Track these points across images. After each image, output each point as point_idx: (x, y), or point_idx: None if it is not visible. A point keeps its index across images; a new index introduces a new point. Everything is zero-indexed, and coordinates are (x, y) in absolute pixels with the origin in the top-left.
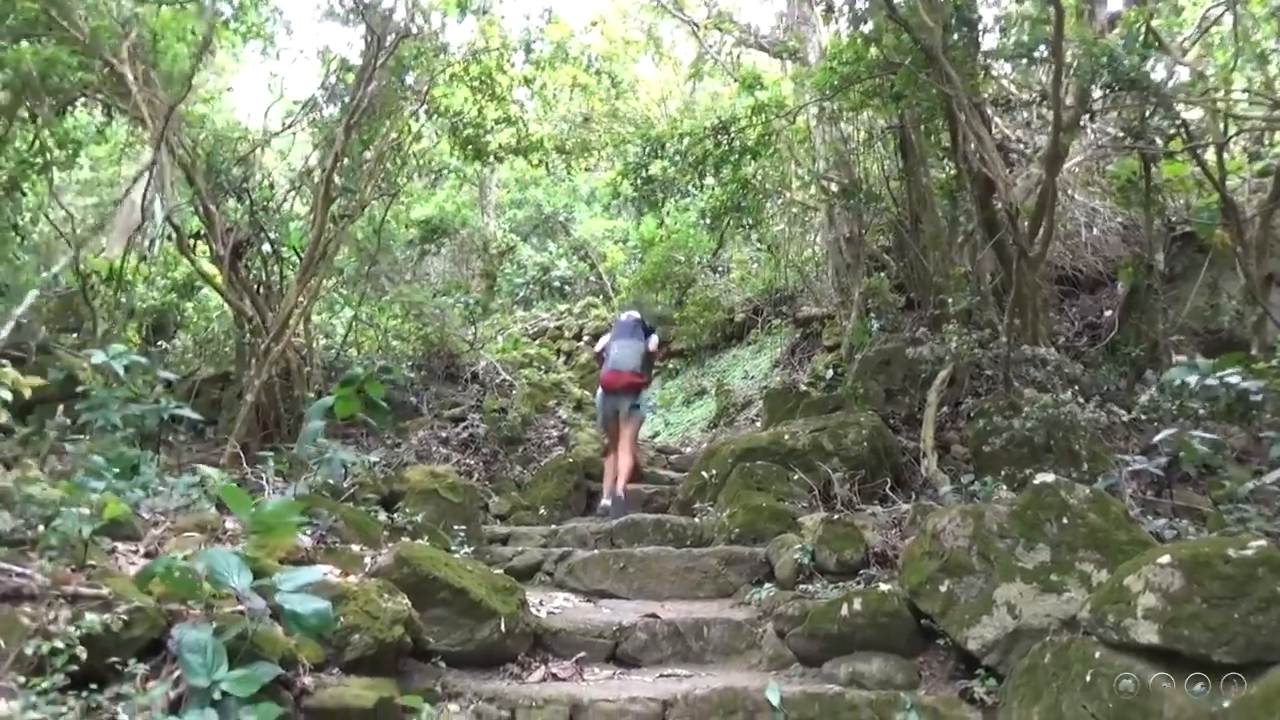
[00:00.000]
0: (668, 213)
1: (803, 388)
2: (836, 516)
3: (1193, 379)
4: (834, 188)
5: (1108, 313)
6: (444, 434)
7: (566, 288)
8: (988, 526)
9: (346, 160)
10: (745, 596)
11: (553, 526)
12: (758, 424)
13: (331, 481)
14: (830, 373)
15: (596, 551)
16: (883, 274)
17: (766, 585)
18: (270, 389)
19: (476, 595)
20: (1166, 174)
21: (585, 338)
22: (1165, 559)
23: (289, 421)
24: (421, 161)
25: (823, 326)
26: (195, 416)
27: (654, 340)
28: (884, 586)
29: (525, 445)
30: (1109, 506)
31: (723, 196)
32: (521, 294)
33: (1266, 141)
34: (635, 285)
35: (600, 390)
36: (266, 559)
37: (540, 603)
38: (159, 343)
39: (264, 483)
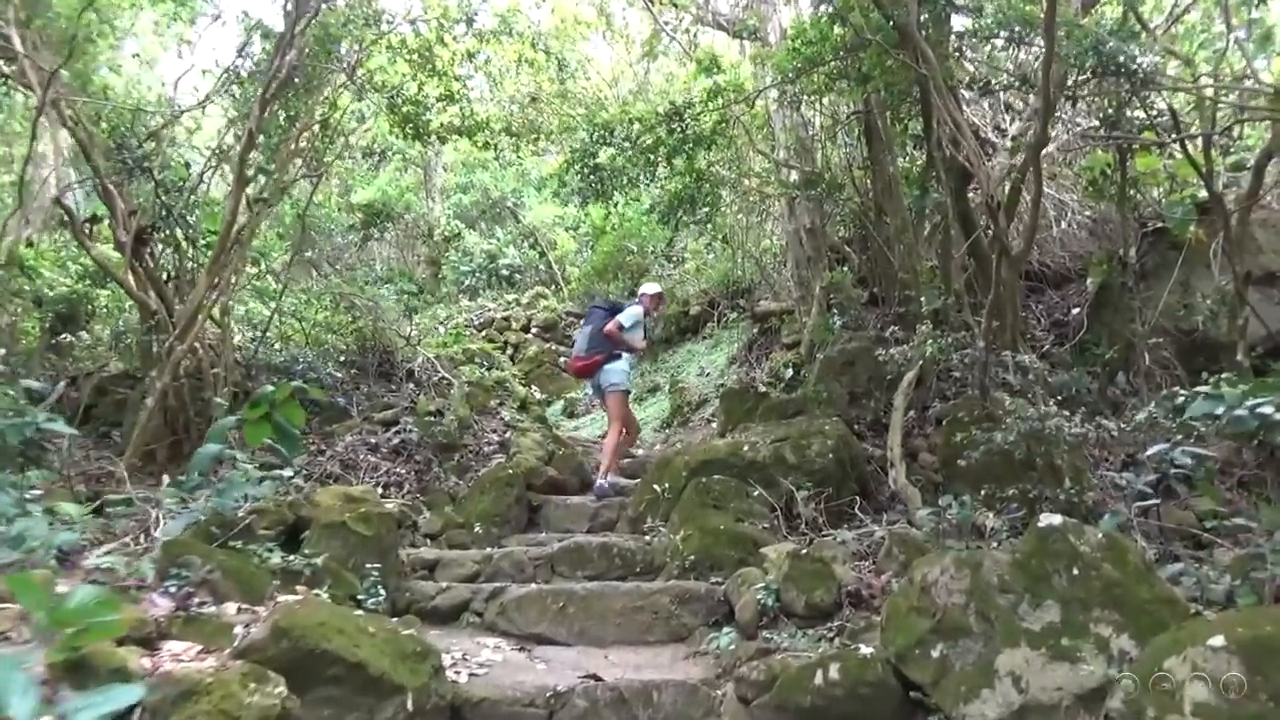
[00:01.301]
0: (616, 204)
1: (761, 388)
2: (805, 551)
3: (1219, 409)
4: (794, 177)
5: (1075, 310)
6: (374, 439)
7: (515, 276)
8: (986, 579)
9: (264, 138)
10: (702, 643)
11: (488, 550)
12: (713, 424)
13: (224, 512)
14: (790, 372)
15: (533, 587)
16: (845, 268)
17: (726, 630)
18: (179, 390)
19: (377, 668)
20: (1140, 167)
21: (534, 329)
22: (1218, 640)
23: (200, 426)
24: (354, 140)
25: (781, 322)
26: (67, 430)
27: (617, 319)
28: (865, 650)
29: (462, 452)
30: (1126, 554)
31: (676, 188)
32: (467, 283)
33: (1237, 135)
34: (586, 275)
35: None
36: (95, 645)
37: (464, 656)
38: (64, 335)
39: (152, 509)
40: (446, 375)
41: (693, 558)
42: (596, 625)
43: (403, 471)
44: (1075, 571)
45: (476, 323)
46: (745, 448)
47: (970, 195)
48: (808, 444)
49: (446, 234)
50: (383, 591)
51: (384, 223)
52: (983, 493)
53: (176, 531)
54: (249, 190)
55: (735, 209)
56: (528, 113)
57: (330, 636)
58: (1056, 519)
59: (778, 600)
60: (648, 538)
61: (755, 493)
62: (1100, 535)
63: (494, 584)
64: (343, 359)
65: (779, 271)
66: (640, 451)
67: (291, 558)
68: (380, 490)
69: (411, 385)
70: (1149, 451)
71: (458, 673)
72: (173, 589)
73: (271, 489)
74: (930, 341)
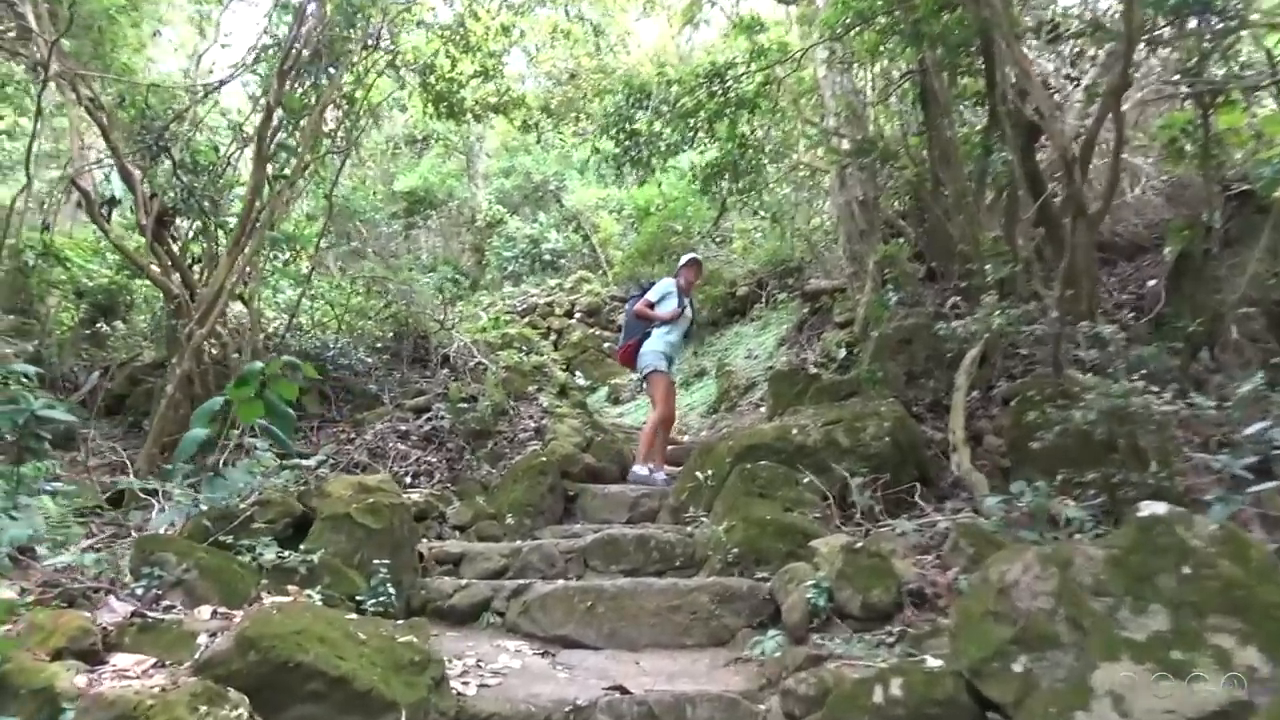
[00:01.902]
0: (654, 172)
1: (812, 369)
2: (860, 544)
3: None
4: (845, 146)
5: (1152, 282)
6: (405, 427)
7: (559, 261)
8: (1077, 578)
9: (285, 113)
10: (745, 648)
11: (517, 542)
12: (762, 409)
13: (226, 503)
14: (843, 352)
15: (560, 584)
16: (901, 240)
17: (771, 633)
18: (204, 377)
19: (364, 682)
20: (1222, 124)
21: (577, 314)
22: None
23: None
24: (386, 119)
25: (833, 301)
26: (64, 418)
27: (643, 299)
28: (932, 662)
29: (496, 439)
30: (1247, 549)
31: (718, 155)
32: (510, 268)
33: None
34: (630, 257)
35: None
36: (18, 661)
37: (479, 662)
38: (100, 325)
39: (157, 499)
40: (483, 360)
41: (736, 551)
42: (629, 626)
43: (433, 460)
44: (1186, 570)
45: (519, 309)
46: (794, 431)
47: (1039, 156)
48: (862, 427)
49: (489, 219)
50: (392, 590)
51: (427, 210)
52: (1059, 478)
53: (161, 526)
54: (271, 168)
55: (783, 185)
56: (566, 90)
57: (308, 646)
58: (1160, 507)
59: (830, 600)
60: (689, 529)
61: (805, 480)
62: (1214, 527)
63: (518, 581)
64: (377, 345)
65: (830, 249)
66: (686, 438)
67: (287, 554)
68: (409, 479)
69: (446, 371)
70: (1247, 430)
71: (466, 683)
72: (140, 591)
73: (291, 479)
74: (998, 313)
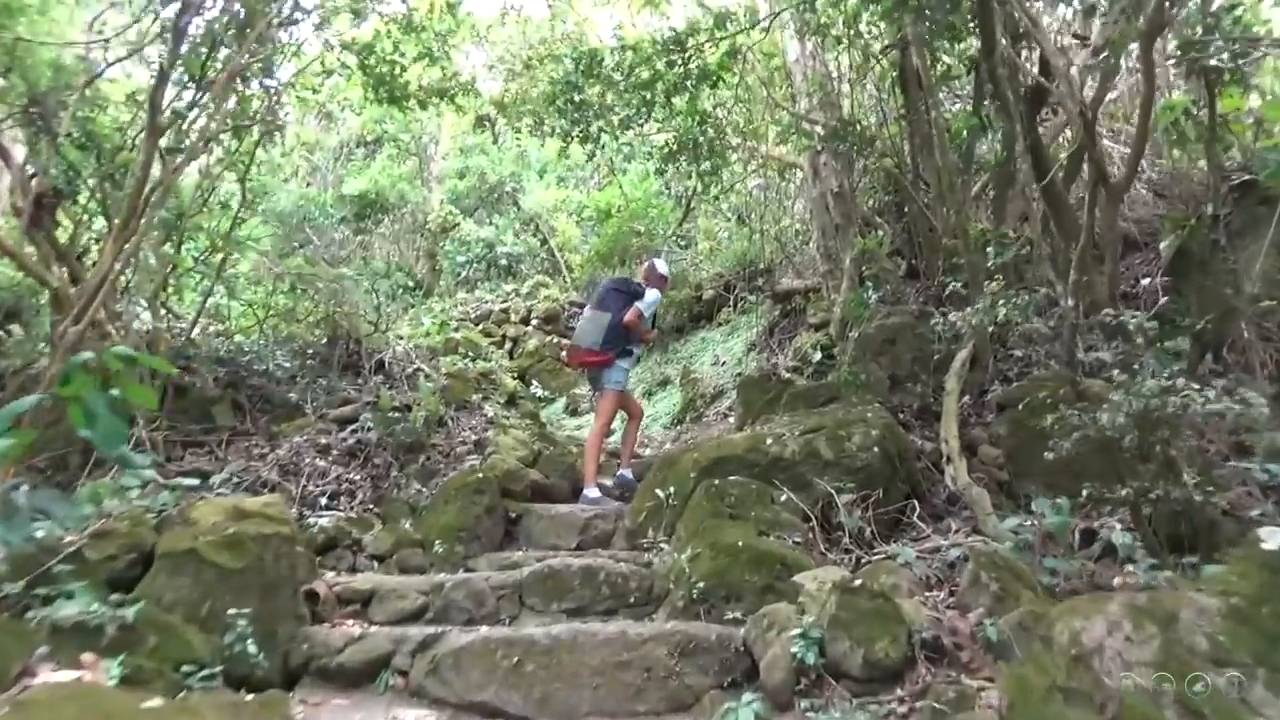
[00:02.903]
0: (602, 147)
1: (785, 374)
2: (858, 581)
3: None
4: (819, 131)
5: (1146, 281)
6: (326, 440)
7: (515, 266)
8: (1186, 641)
9: (185, 77)
10: (713, 717)
11: (442, 576)
12: (731, 419)
13: (30, 538)
14: (818, 356)
15: (480, 634)
16: (881, 234)
17: (747, 697)
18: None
19: None
20: (1224, 108)
21: (534, 321)
22: None
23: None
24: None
25: (806, 301)
26: None
27: (639, 304)
28: None
29: (430, 453)
30: None
31: (678, 132)
32: (464, 274)
33: None
34: (590, 261)
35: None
36: None
37: None
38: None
39: None
40: (422, 367)
41: (702, 585)
42: (565, 689)
43: (356, 478)
44: None
45: (473, 316)
46: (769, 441)
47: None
48: (847, 435)
49: (442, 222)
50: (254, 649)
51: (379, 214)
52: (1084, 493)
53: None
54: (165, 141)
55: (751, 179)
56: (521, 83)
57: None
58: None
59: (821, 653)
60: (647, 556)
61: (783, 497)
62: None
63: (428, 629)
64: (306, 350)
65: (801, 249)
66: (647, 451)
67: (96, 609)
68: (325, 500)
69: (380, 379)
70: None
71: None
72: None
73: (169, 500)
74: (1002, 304)
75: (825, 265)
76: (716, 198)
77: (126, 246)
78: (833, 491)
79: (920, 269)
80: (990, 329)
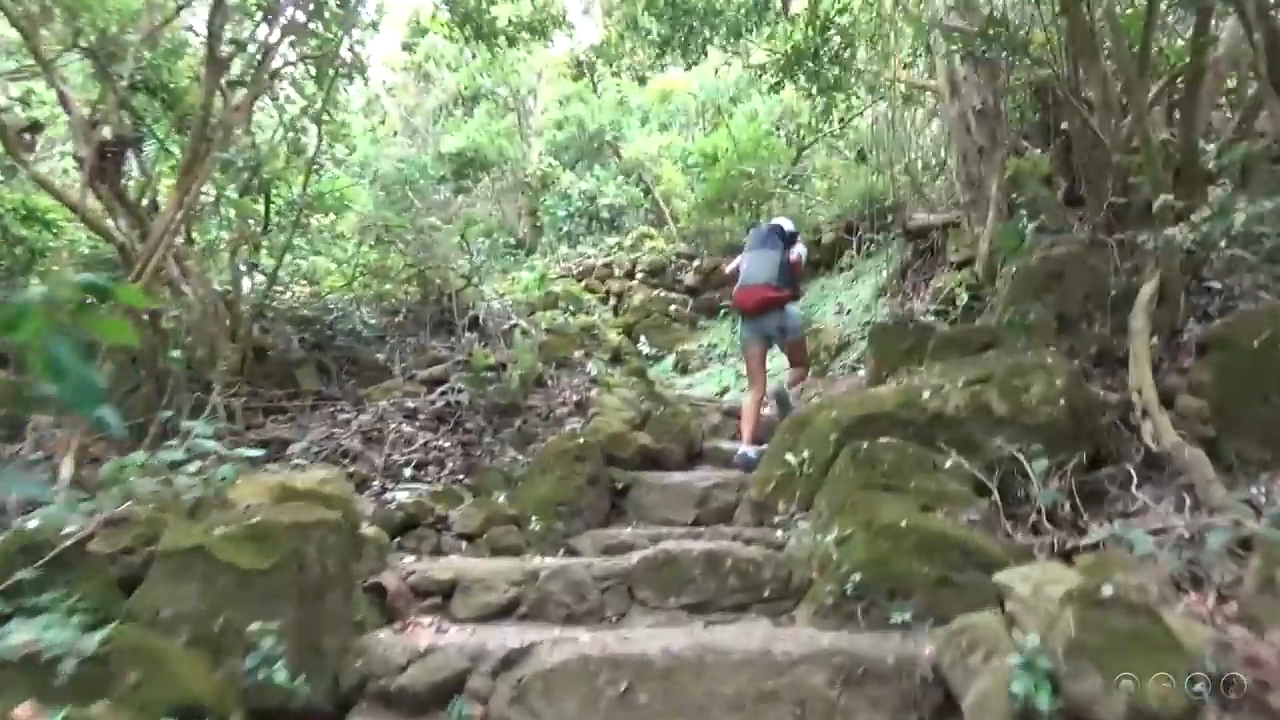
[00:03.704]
0: (705, 56)
1: (924, 320)
2: (1108, 588)
3: None
4: (953, 43)
5: None
6: (413, 403)
7: (618, 219)
8: None
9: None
10: None
11: (538, 560)
12: (860, 372)
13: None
14: (965, 297)
15: (576, 650)
16: (1039, 153)
17: None
18: (155, 350)
19: None
20: None
21: (639, 274)
22: None
23: (196, 391)
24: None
25: (945, 237)
26: None
27: (798, 249)
28: None
29: (527, 416)
30: None
31: (794, 39)
32: (566, 229)
33: None
34: (697, 208)
35: (743, 321)
36: None
37: None
38: None
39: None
40: (519, 322)
41: (858, 577)
42: None
43: (445, 445)
44: None
45: (576, 272)
46: (925, 395)
47: None
48: (1023, 386)
49: (540, 176)
50: (284, 674)
51: (478, 172)
52: None
53: None
54: (226, 76)
55: (876, 107)
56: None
57: None
58: None
59: (1055, 692)
60: (779, 534)
61: (947, 463)
62: None
63: (510, 643)
64: (394, 307)
65: (933, 181)
66: (768, 410)
67: (50, 634)
68: (409, 471)
69: (474, 336)
70: None
71: None
72: None
73: (230, 474)
74: (1240, 208)
75: (967, 195)
76: (839, 127)
77: (188, 195)
78: (1017, 455)
79: (1082, 193)
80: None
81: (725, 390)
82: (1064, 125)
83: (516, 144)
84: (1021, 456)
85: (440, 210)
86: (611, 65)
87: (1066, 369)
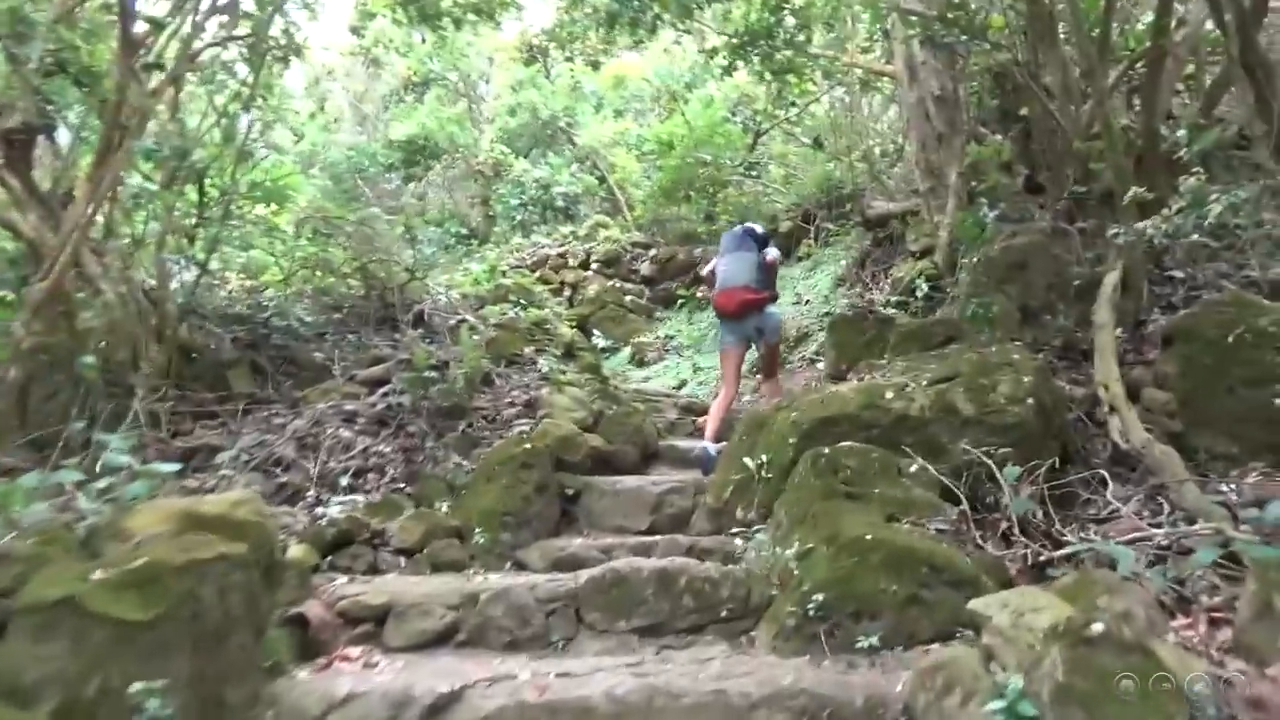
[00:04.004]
0: (655, 33)
1: (884, 311)
2: (1096, 625)
3: None
4: (912, 27)
5: None
6: (352, 406)
7: (572, 208)
8: None
9: None
10: None
11: (475, 583)
12: (819, 365)
13: None
14: (925, 287)
15: (511, 695)
16: (999, 139)
17: None
18: (69, 353)
19: None
20: None
21: (594, 264)
22: None
23: (119, 398)
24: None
25: (905, 226)
26: None
27: (772, 251)
28: None
29: (472, 418)
30: None
31: (749, 19)
32: (519, 218)
33: None
34: (652, 196)
35: (723, 322)
36: None
37: None
38: None
39: None
40: (467, 317)
41: (820, 598)
42: None
43: (386, 450)
44: None
45: (529, 262)
46: (888, 394)
47: None
48: (990, 384)
49: (492, 164)
50: None
51: (429, 160)
52: None
53: None
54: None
55: (833, 94)
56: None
57: None
58: None
59: None
60: (739, 543)
61: (913, 468)
62: None
63: (440, 690)
64: (335, 303)
65: (890, 168)
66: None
67: None
68: (345, 480)
69: (419, 332)
70: None
71: None
72: None
73: (143, 492)
74: (1214, 198)
75: (926, 182)
76: (795, 114)
77: (102, 186)
78: (983, 458)
79: (1042, 181)
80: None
81: (683, 384)
82: (1023, 111)
83: (468, 131)
84: (990, 462)
85: (391, 199)
86: (564, 49)
87: (1033, 365)
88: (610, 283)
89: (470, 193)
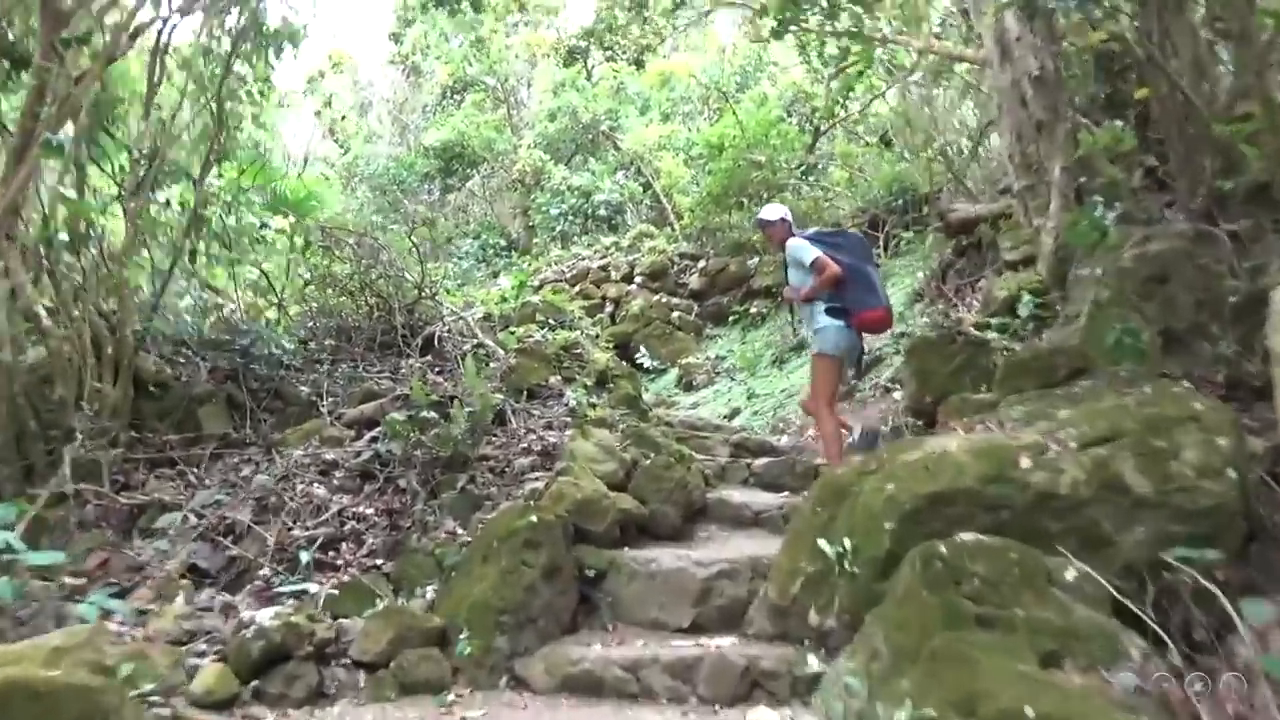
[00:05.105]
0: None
1: (974, 332)
2: None
3: None
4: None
5: None
6: (332, 453)
7: (615, 216)
8: None
9: None
10: None
11: (457, 708)
12: (895, 394)
13: None
14: (1030, 304)
15: None
16: (1120, 125)
17: None
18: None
19: None
20: None
21: (638, 278)
22: None
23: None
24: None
25: (996, 232)
26: None
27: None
28: None
29: (477, 470)
30: None
31: None
32: (558, 228)
33: None
34: (701, 203)
35: (850, 332)
36: None
37: None
38: None
39: None
40: (485, 341)
41: None
42: None
43: (368, 512)
44: None
45: (569, 275)
46: (1024, 461)
47: None
48: (1171, 447)
49: (531, 171)
50: None
51: (466, 168)
52: None
53: None
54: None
55: (903, 85)
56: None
57: None
58: None
59: None
60: (813, 663)
61: (1069, 574)
62: None
63: None
64: (332, 327)
65: (969, 165)
66: (783, 440)
67: None
68: (306, 556)
69: (427, 360)
70: None
71: None
72: None
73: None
74: None
75: (1023, 179)
76: (857, 102)
77: (13, 187)
78: (1178, 563)
79: (1165, 175)
80: None
81: (735, 413)
82: (1139, 94)
83: (506, 136)
84: (1193, 571)
85: (432, 210)
86: (604, 46)
87: (1226, 420)
88: (656, 297)
89: (510, 202)
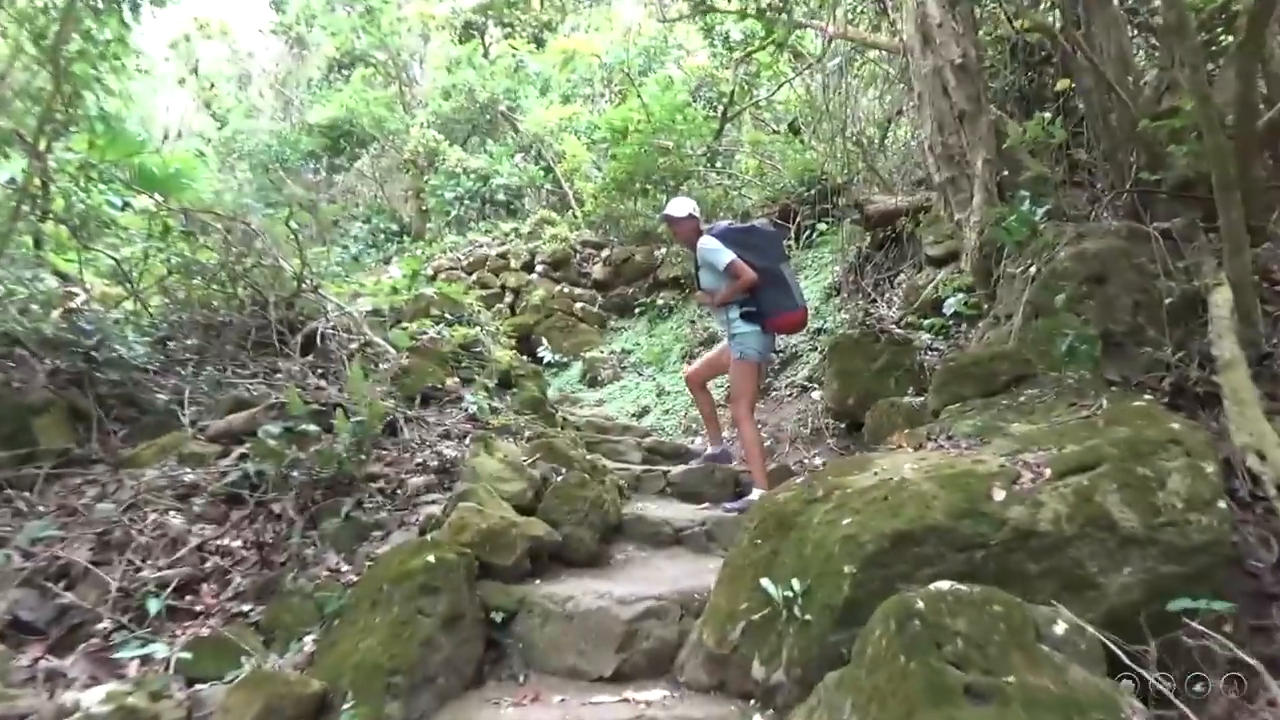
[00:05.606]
0: None
1: (896, 330)
2: None
3: None
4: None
5: None
6: (191, 475)
7: (514, 201)
8: None
9: None
10: None
11: None
12: (813, 394)
13: None
14: (956, 300)
15: None
16: (1048, 117)
17: None
18: None
19: None
20: None
21: (539, 266)
22: None
23: None
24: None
25: (915, 224)
26: None
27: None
28: None
29: (363, 493)
30: None
31: None
32: (454, 212)
33: None
34: (605, 189)
35: (769, 335)
36: None
37: None
38: None
39: None
40: (374, 339)
41: None
42: None
43: (234, 545)
44: None
45: (465, 263)
46: (996, 492)
47: None
48: (1156, 476)
49: (423, 151)
50: None
51: (355, 147)
52: None
53: None
54: None
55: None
56: None
57: None
58: None
59: None
60: None
61: (1058, 626)
62: None
63: None
64: (196, 321)
65: (881, 152)
66: (697, 441)
67: None
68: (156, 604)
69: (310, 359)
70: None
71: None
72: None
73: None
74: None
75: (945, 172)
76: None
77: None
78: (1176, 611)
79: (1088, 170)
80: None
81: (645, 411)
82: (1059, 86)
83: (398, 115)
84: (1193, 623)
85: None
86: (503, 22)
87: (1202, 440)
88: (558, 287)
89: (403, 185)
